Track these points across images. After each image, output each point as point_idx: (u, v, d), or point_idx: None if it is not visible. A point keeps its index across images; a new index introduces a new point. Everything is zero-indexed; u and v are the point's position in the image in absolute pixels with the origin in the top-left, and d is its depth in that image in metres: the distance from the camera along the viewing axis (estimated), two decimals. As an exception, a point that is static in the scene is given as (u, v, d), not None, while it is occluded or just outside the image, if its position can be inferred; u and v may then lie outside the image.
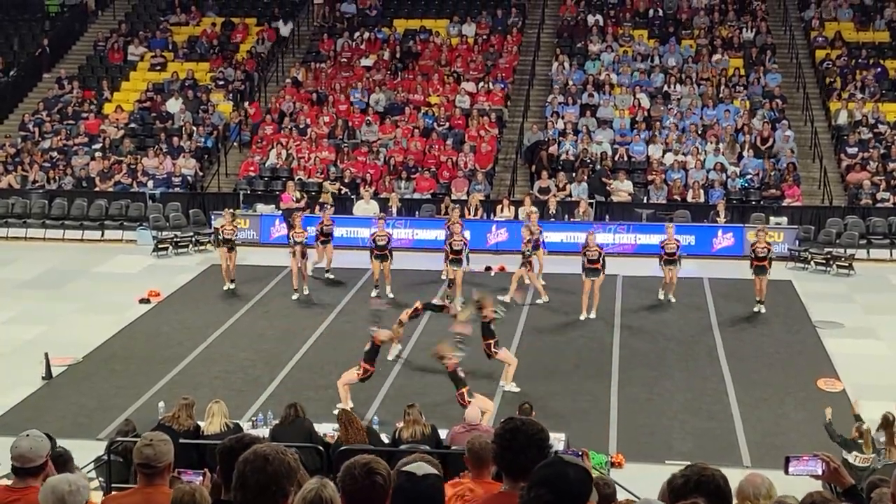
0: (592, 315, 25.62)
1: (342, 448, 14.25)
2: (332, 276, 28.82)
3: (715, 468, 5.90)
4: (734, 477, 6.85)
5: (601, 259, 25.71)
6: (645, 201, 34.04)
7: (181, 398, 16.47)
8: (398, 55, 41.34)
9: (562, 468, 4.89)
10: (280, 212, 32.99)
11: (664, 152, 35.65)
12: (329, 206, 30.92)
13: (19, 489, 7.28)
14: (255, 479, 5.17)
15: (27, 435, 7.36)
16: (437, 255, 28.63)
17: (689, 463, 6.15)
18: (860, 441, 15.77)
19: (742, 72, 39.40)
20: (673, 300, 26.71)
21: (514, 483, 6.02)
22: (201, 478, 8.17)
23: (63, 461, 8.01)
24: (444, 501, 5.04)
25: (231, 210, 28.97)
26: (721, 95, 38.07)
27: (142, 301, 26.99)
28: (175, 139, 37.65)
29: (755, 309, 26.17)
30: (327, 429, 16.40)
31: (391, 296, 27.05)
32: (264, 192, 34.65)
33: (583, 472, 4.92)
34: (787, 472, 6.55)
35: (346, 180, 35.07)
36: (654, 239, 31.31)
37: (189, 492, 7.05)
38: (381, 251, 27.38)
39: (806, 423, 19.50)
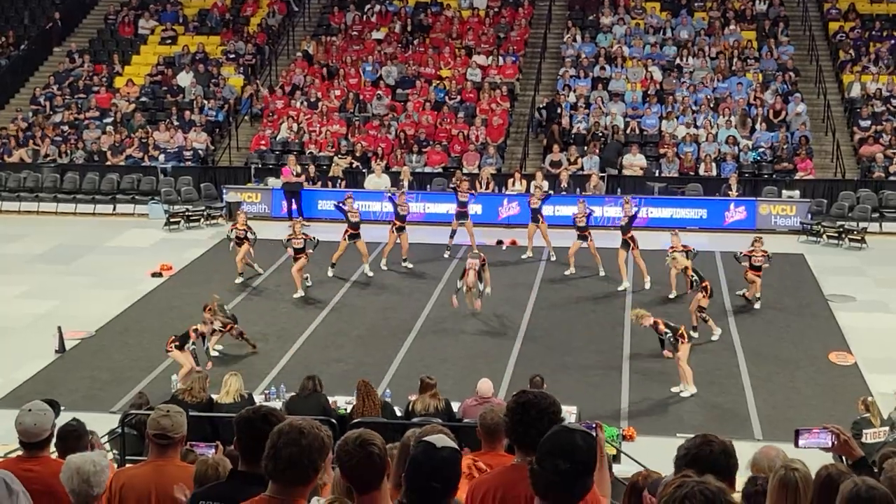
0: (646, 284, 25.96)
1: (356, 420, 14.32)
2: (410, 266, 27.80)
3: (720, 438, 5.90)
4: (745, 450, 6.86)
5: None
6: (657, 175, 33.97)
7: (195, 371, 16.58)
8: (409, 28, 41.20)
9: (570, 436, 4.92)
10: (281, 186, 33.00)
11: (676, 126, 35.55)
12: (402, 192, 29.60)
13: (31, 460, 7.33)
14: (289, 451, 5.16)
15: (29, 410, 7.37)
16: (448, 228, 28.72)
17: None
18: (867, 415, 15.72)
19: (755, 44, 39.23)
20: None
21: (525, 456, 6.03)
22: (213, 451, 8.19)
23: (77, 435, 8.03)
24: (458, 476, 5.05)
25: (244, 211, 28.63)
26: (733, 68, 37.92)
27: (154, 275, 27.05)
28: (186, 113, 37.64)
29: (756, 305, 25.05)
30: (340, 402, 16.46)
31: (410, 266, 27.38)
32: (276, 166, 34.60)
33: (590, 438, 4.97)
34: (797, 445, 6.57)
35: (357, 154, 35.04)
36: (666, 213, 31.34)
37: (213, 465, 7.09)
38: (403, 223, 27.56)
39: (817, 397, 19.52)
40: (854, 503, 5.07)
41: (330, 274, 26.53)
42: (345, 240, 26.59)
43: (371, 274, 26.73)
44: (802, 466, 6.19)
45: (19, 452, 7.57)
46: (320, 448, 5.25)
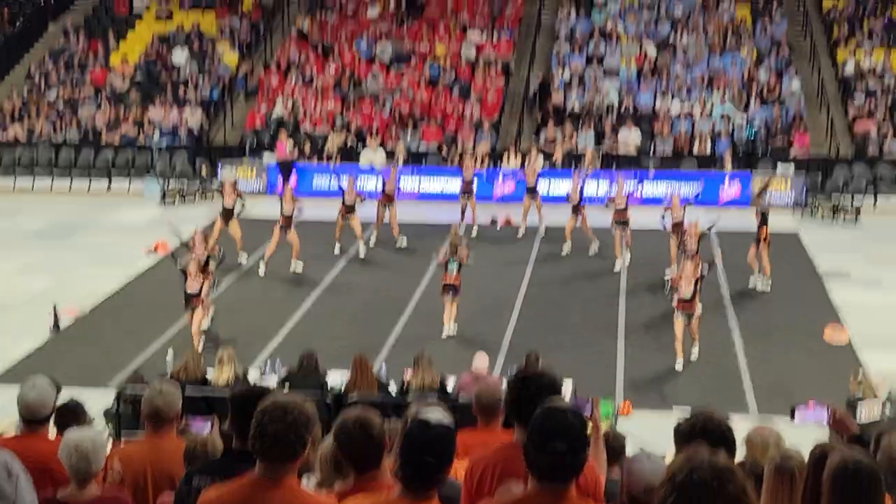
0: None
1: (353, 398, 14.35)
2: (404, 244, 27.71)
3: (720, 415, 5.94)
4: (740, 425, 6.89)
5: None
6: (651, 151, 33.95)
7: (190, 349, 16.61)
8: (404, 5, 41.10)
9: (562, 416, 4.96)
10: (275, 162, 32.96)
11: (671, 102, 35.53)
12: (394, 166, 29.53)
13: (30, 437, 7.35)
14: (274, 428, 5.21)
15: (33, 385, 7.41)
16: (443, 205, 28.74)
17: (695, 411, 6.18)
18: (861, 392, 15.73)
19: (749, 21, 39.19)
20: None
21: (525, 432, 6.07)
22: (210, 424, 8.23)
23: (74, 414, 8.07)
24: (452, 452, 5.09)
25: (231, 180, 27.87)
26: (728, 45, 37.89)
27: (149, 252, 27.03)
28: (181, 90, 37.57)
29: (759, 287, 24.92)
30: (334, 376, 16.43)
31: (404, 244, 27.45)
32: (271, 143, 34.55)
33: (580, 415, 5.01)
34: (793, 420, 6.61)
35: (352, 131, 35.02)
36: (660, 190, 31.31)
37: (202, 441, 7.12)
38: (388, 199, 27.59)
39: (811, 373, 19.55)
40: (841, 476, 5.10)
41: (336, 251, 26.59)
42: (341, 218, 26.54)
43: (363, 256, 26.71)
44: (798, 455, 6.23)
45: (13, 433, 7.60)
46: (306, 423, 5.29)
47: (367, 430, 5.36)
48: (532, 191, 28.15)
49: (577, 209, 26.67)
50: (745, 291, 24.31)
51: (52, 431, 7.99)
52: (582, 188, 26.89)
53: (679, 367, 19.84)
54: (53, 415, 8.03)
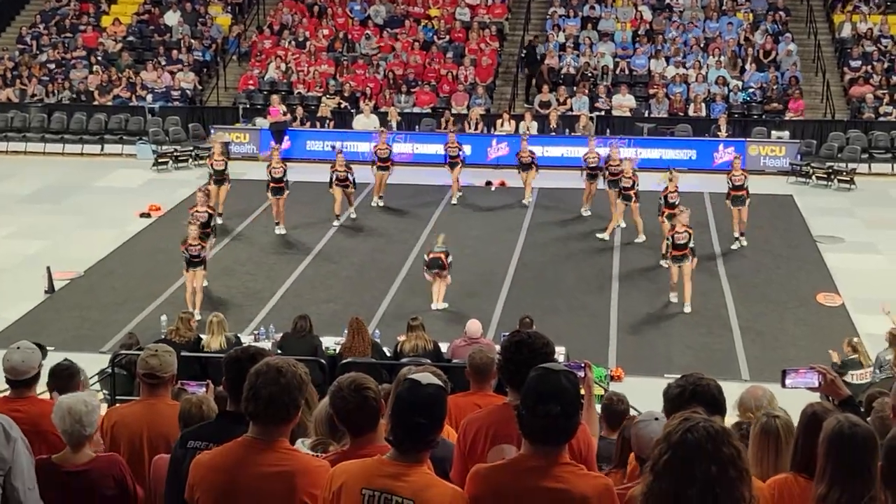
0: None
1: (346, 361, 14.38)
2: (381, 204, 28.02)
3: (710, 378, 5.95)
4: (733, 390, 6.90)
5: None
6: (646, 115, 33.91)
7: (181, 312, 16.60)
8: (398, -33, 40.94)
9: (556, 378, 4.95)
10: (269, 126, 32.87)
11: (665, 66, 35.44)
12: (382, 131, 30.03)
13: (18, 400, 7.36)
14: (268, 391, 5.21)
15: (17, 347, 7.41)
16: (437, 169, 28.72)
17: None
18: (855, 356, 15.79)
19: (745, -16, 39.05)
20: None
21: (517, 395, 6.07)
22: (204, 389, 8.23)
23: (69, 374, 8.05)
24: (444, 413, 5.07)
25: (220, 141, 28.12)
26: (724, 8, 37.76)
27: (142, 215, 27.01)
28: (173, 52, 37.41)
29: (733, 246, 24.93)
30: (328, 342, 16.51)
31: (381, 204, 27.49)
32: (263, 106, 34.43)
33: (573, 377, 5.00)
34: (784, 385, 6.62)
35: (346, 94, 34.92)
36: (655, 153, 31.29)
37: (196, 403, 7.12)
38: (384, 163, 27.71)
39: (805, 338, 19.62)
40: (837, 440, 5.10)
41: (336, 224, 26.29)
42: (333, 188, 26.30)
43: (355, 216, 26.65)
44: (784, 414, 6.26)
45: (6, 393, 7.60)
46: (299, 385, 5.30)
47: (363, 393, 5.35)
48: (527, 167, 27.93)
49: (593, 175, 26.67)
50: (738, 255, 24.31)
51: (47, 396, 7.99)
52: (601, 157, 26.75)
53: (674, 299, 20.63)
54: (49, 378, 8.04)
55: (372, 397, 5.35)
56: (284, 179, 25.38)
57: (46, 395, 7.97)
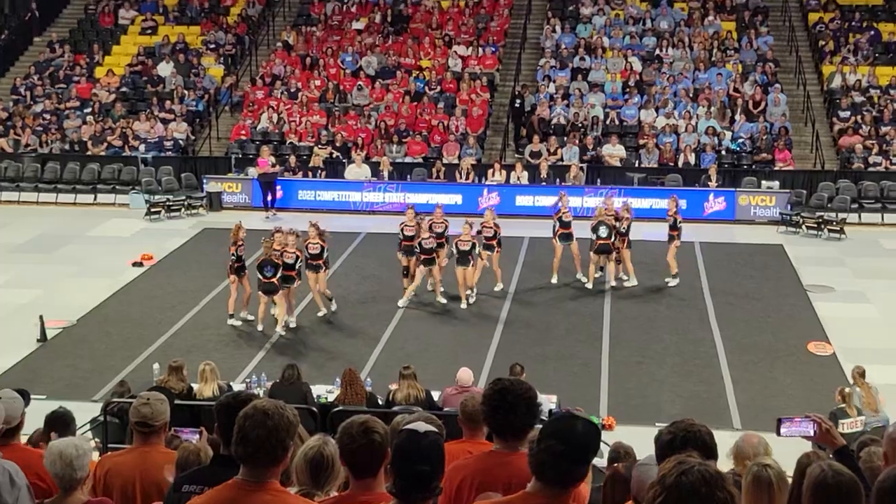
0: (583, 279, 25.64)
1: (338, 409, 14.39)
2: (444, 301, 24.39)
3: (701, 424, 5.98)
4: (724, 439, 6.93)
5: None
6: (636, 165, 34.06)
7: (170, 361, 16.58)
8: (389, 18, 41.22)
9: (571, 421, 4.99)
10: (256, 176, 32.92)
11: (656, 116, 35.65)
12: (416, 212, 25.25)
13: (6, 447, 7.37)
14: (256, 433, 5.25)
15: (0, 398, 7.42)
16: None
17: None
18: (843, 406, 15.81)
19: (734, 35, 39.35)
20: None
21: (504, 443, 6.11)
22: (198, 436, 8.25)
23: (65, 422, 8.09)
24: (444, 458, 5.11)
25: (283, 230, 23.53)
26: (713, 59, 38.04)
27: (135, 264, 27.02)
28: (166, 103, 37.58)
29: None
30: (320, 390, 16.53)
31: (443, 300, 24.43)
32: (256, 156, 34.55)
33: (591, 426, 5.02)
34: (779, 434, 6.64)
35: (338, 144, 35.07)
36: (645, 203, 31.38)
37: (194, 450, 7.16)
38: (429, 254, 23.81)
39: (796, 387, 19.63)
40: (821, 488, 5.14)
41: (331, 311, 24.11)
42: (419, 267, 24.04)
43: (333, 309, 24.76)
44: (775, 464, 6.28)
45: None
46: (287, 427, 5.33)
47: (370, 436, 5.38)
48: (489, 245, 24.79)
49: (567, 235, 25.62)
50: (729, 304, 24.36)
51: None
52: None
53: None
54: (45, 425, 8.06)
55: (378, 441, 5.39)
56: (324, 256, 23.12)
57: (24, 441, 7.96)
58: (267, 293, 22.17)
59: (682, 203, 27.97)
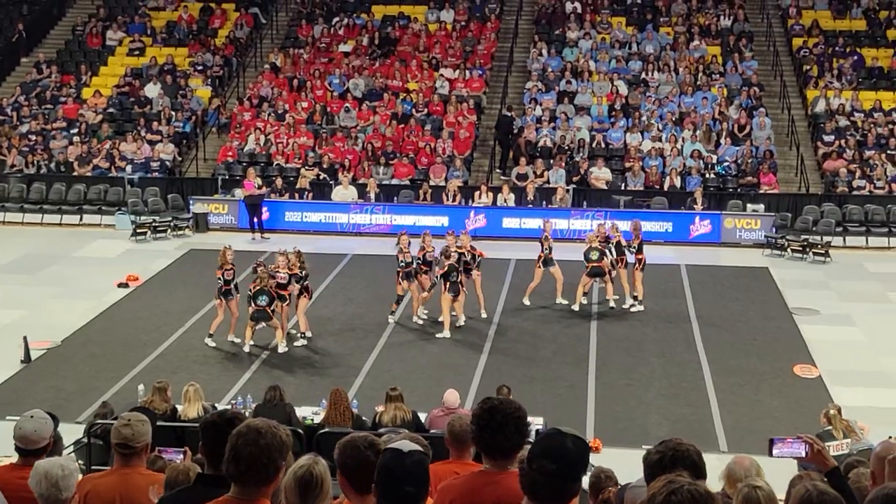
0: (565, 301, 25.62)
1: (324, 430, 14.36)
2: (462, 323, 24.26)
3: (689, 443, 5.97)
4: (712, 461, 6.92)
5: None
6: (622, 188, 34.14)
7: (155, 382, 16.53)
8: (376, 41, 41.29)
9: (560, 438, 4.97)
10: (242, 198, 32.87)
11: (641, 140, 35.74)
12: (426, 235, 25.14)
13: (26, 468, 7.31)
14: (248, 451, 5.23)
15: (31, 416, 7.39)
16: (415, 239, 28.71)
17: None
18: (829, 428, 15.80)
19: (719, 59, 39.50)
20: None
21: (493, 462, 6.09)
22: (182, 456, 8.22)
23: (54, 440, 8.04)
24: (429, 478, 5.09)
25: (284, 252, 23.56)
26: (698, 83, 38.18)
27: (120, 285, 26.95)
28: (153, 124, 37.57)
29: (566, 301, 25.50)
30: (306, 412, 16.51)
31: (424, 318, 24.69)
32: (242, 178, 34.53)
33: (581, 442, 4.99)
34: (771, 454, 6.63)
35: (325, 166, 35.08)
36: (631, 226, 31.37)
37: (183, 470, 7.12)
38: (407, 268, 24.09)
39: (782, 409, 19.64)
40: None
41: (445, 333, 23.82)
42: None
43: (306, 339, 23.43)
44: (766, 485, 6.28)
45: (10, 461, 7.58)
46: (279, 447, 5.32)
47: (376, 451, 5.35)
48: (468, 269, 24.47)
49: (549, 260, 25.57)
50: (715, 327, 24.39)
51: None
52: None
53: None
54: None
55: (374, 460, 5.36)
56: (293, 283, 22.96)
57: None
58: (257, 321, 22.16)
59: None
